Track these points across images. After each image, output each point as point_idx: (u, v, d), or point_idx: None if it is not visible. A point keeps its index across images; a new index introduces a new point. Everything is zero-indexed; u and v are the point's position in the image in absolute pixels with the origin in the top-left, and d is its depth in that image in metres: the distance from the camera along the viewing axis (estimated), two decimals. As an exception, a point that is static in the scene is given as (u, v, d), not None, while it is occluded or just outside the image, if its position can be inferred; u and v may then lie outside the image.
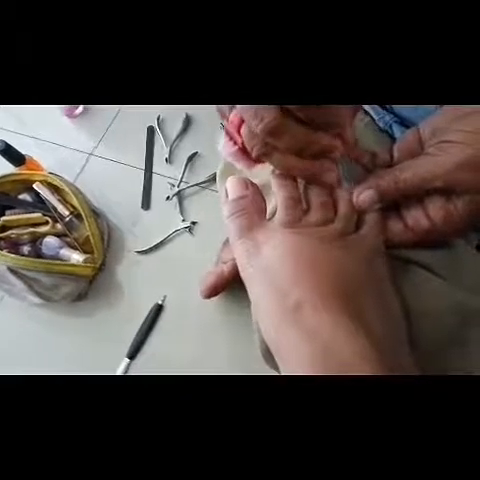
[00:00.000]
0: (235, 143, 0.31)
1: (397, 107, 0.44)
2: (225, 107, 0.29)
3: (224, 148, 0.32)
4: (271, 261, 0.30)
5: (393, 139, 0.47)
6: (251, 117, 0.27)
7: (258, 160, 0.31)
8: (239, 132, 0.30)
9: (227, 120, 0.30)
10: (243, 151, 0.31)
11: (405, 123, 0.46)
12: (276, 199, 0.33)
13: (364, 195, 0.31)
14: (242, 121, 0.29)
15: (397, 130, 0.46)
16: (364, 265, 0.31)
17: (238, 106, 0.27)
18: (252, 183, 0.35)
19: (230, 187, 0.35)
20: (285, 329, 0.27)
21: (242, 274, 0.32)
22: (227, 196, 0.35)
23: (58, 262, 0.64)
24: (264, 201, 0.34)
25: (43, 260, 0.64)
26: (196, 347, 0.63)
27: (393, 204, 0.32)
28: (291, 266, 0.29)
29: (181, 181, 0.76)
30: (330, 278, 0.29)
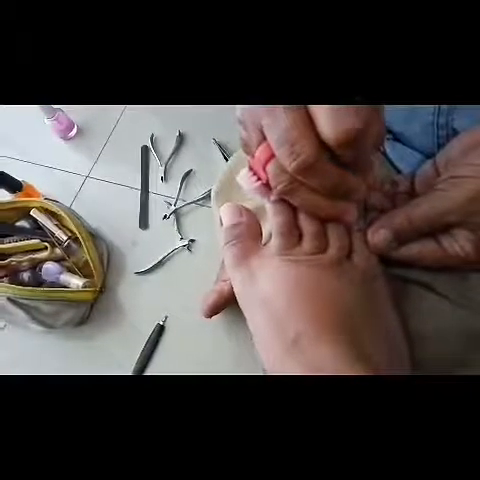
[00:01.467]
0: (258, 178, 0.30)
1: (389, 121, 0.43)
2: (252, 142, 0.29)
3: (246, 182, 0.32)
4: (267, 291, 0.29)
5: (386, 157, 0.46)
6: (285, 154, 0.26)
7: (279, 196, 0.31)
8: (264, 169, 0.29)
9: (252, 156, 0.30)
10: (266, 186, 0.31)
11: (398, 138, 0.46)
12: (271, 225, 0.33)
13: (379, 235, 0.31)
14: (270, 158, 0.28)
15: (389, 147, 0.46)
16: (361, 291, 0.31)
17: (270, 141, 0.27)
18: (246, 209, 0.34)
19: (224, 215, 0.35)
20: (286, 361, 0.26)
21: (239, 302, 0.32)
22: (221, 223, 0.34)
23: (58, 289, 0.64)
24: (260, 227, 0.34)
25: (43, 288, 0.64)
26: (199, 366, 0.63)
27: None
28: (287, 297, 0.29)
29: (177, 199, 0.76)
30: (327, 308, 0.28)
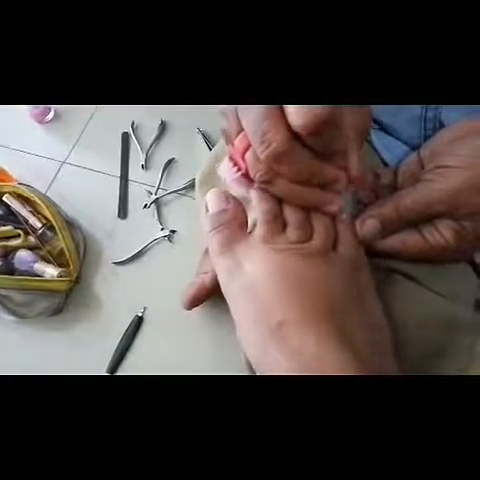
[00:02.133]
0: (239, 169, 0.30)
1: (376, 111, 0.43)
2: (232, 132, 0.29)
3: (226, 173, 0.32)
4: (252, 278, 0.30)
5: (372, 147, 0.46)
6: (258, 142, 0.26)
7: (260, 186, 0.31)
8: (243, 158, 0.29)
9: (232, 145, 0.30)
10: (246, 177, 0.31)
11: (385, 129, 0.46)
12: (255, 212, 0.33)
13: (367, 225, 0.31)
14: (248, 147, 0.29)
15: (376, 137, 0.46)
16: (346, 281, 0.31)
17: (246, 131, 0.27)
18: (233, 197, 0.34)
19: (210, 201, 0.35)
20: (269, 348, 0.27)
21: (223, 291, 0.32)
22: (207, 210, 0.34)
23: (31, 278, 0.62)
24: (245, 214, 0.34)
25: (16, 277, 0.61)
26: (178, 360, 0.62)
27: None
28: (273, 284, 0.29)
29: (158, 188, 0.74)
30: (312, 295, 0.29)
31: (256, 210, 0.33)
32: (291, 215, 0.32)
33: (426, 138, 0.42)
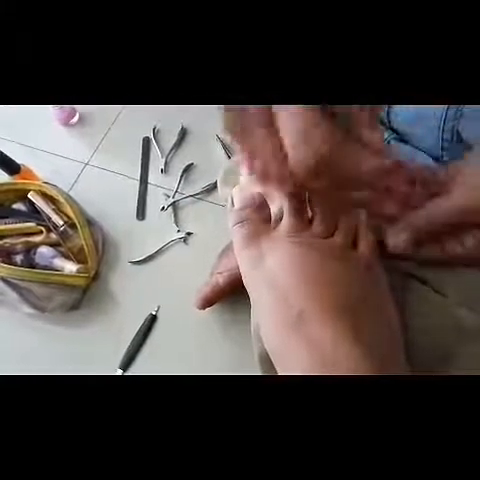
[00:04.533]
0: (252, 170, 0.30)
1: (395, 121, 0.44)
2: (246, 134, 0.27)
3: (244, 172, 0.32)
4: (275, 271, 0.30)
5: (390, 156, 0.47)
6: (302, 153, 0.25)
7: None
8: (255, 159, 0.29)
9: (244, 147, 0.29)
10: (262, 175, 0.30)
11: (402, 138, 0.46)
12: (282, 207, 0.33)
13: (400, 238, 0.31)
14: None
15: (395, 147, 0.46)
16: (363, 278, 0.32)
17: (285, 140, 0.25)
18: (258, 192, 0.35)
19: (236, 196, 0.35)
20: (287, 336, 0.27)
21: (245, 281, 0.32)
22: (233, 205, 0.35)
23: (52, 272, 0.64)
24: (269, 209, 0.35)
25: (37, 270, 0.64)
26: (190, 358, 0.63)
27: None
28: (295, 277, 0.30)
29: (176, 192, 0.76)
30: (332, 290, 0.29)
31: (283, 204, 0.33)
32: (318, 209, 0.33)
33: (443, 148, 0.42)
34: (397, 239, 0.31)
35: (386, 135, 0.46)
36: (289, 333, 0.28)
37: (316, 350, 0.26)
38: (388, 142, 0.46)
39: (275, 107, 0.25)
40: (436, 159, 0.44)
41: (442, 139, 0.42)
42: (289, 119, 0.25)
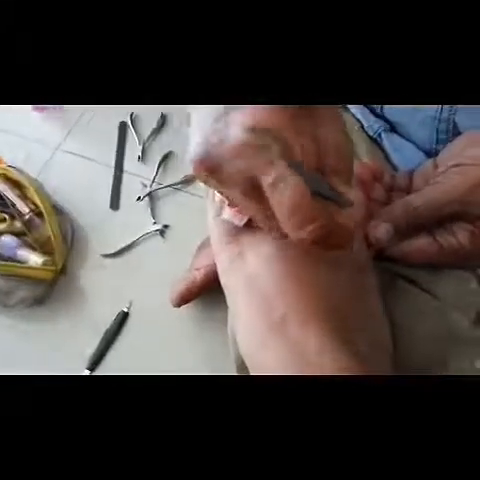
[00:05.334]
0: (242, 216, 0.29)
1: (389, 111, 0.42)
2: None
3: (233, 219, 0.30)
4: (256, 270, 0.29)
5: (381, 148, 0.45)
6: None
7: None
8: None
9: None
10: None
11: (397, 130, 0.45)
12: None
13: (380, 229, 0.30)
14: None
15: (386, 139, 0.45)
16: (351, 281, 0.30)
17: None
18: None
19: None
20: (268, 342, 0.26)
21: (222, 281, 0.31)
22: (213, 196, 0.33)
23: (13, 264, 0.59)
24: None
25: (-3, 262, 0.59)
26: (163, 358, 0.59)
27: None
28: (277, 276, 0.28)
29: (153, 181, 0.72)
30: (317, 291, 0.28)
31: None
32: None
33: (438, 140, 0.41)
34: (378, 231, 0.30)
35: (376, 126, 0.44)
36: (269, 337, 0.26)
37: (300, 355, 0.25)
38: (379, 134, 0.44)
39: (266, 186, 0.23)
40: (427, 153, 0.42)
41: (437, 130, 0.40)
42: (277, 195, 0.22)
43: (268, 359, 0.25)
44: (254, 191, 0.23)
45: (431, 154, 0.42)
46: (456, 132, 0.39)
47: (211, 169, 0.23)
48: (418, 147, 0.42)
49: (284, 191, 0.22)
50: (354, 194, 0.25)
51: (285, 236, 0.23)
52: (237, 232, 0.30)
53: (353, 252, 0.31)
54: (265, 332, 0.26)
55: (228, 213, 0.30)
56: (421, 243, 0.32)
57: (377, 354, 0.29)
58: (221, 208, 0.31)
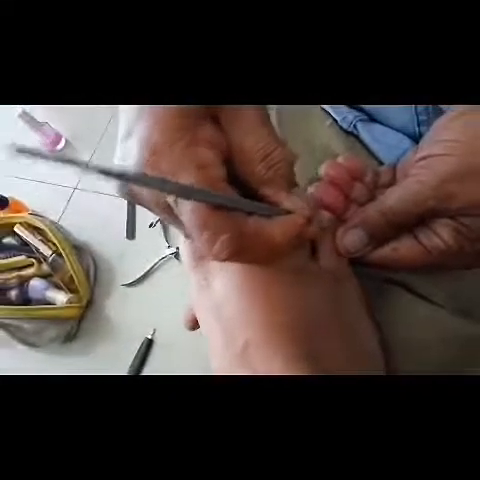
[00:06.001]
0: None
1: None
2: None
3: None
4: (220, 295, 0.27)
5: (359, 140, 0.42)
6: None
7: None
8: None
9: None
10: None
11: (374, 117, 0.41)
12: None
13: (350, 236, 0.27)
14: None
15: (362, 129, 0.41)
16: (326, 300, 0.27)
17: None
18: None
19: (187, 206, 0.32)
20: (234, 371, 0.24)
21: (194, 306, 0.29)
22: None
23: (38, 307, 0.62)
24: None
25: (23, 307, 0.62)
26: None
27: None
28: (240, 300, 0.26)
29: (164, 206, 0.73)
30: (282, 313, 0.26)
31: None
32: None
33: (419, 123, 0.37)
34: (346, 239, 0.27)
35: (351, 117, 0.41)
36: (234, 368, 0.24)
37: None
38: (354, 125, 0.41)
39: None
40: (412, 137, 0.38)
41: (417, 113, 0.37)
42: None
43: None
44: (165, 209, 0.22)
45: (416, 138, 0.38)
46: (436, 111, 0.35)
47: (129, 192, 0.23)
48: (401, 132, 0.39)
49: (184, 213, 0.21)
50: (296, 201, 0.23)
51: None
52: (202, 255, 0.29)
53: (327, 260, 0.29)
54: (232, 363, 0.25)
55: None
56: (401, 245, 0.28)
57: (359, 369, 0.26)
58: None
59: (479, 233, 0.25)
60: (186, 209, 0.21)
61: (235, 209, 0.21)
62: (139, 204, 0.24)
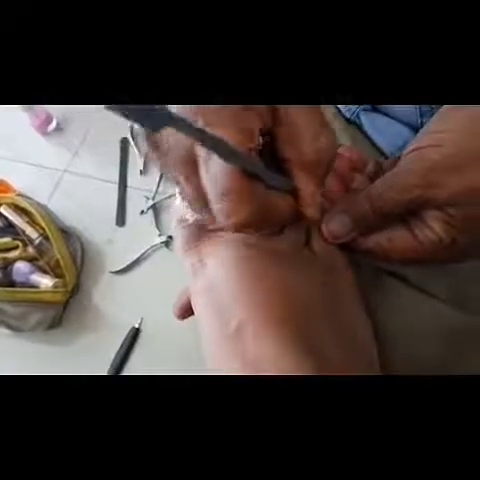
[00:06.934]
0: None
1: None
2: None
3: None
4: (214, 277, 0.27)
5: (362, 131, 0.42)
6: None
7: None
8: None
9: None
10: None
11: (375, 107, 0.41)
12: None
13: (334, 222, 0.27)
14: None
15: (365, 119, 0.41)
16: (319, 285, 0.27)
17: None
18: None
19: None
20: (223, 352, 0.24)
21: (190, 292, 0.29)
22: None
23: (23, 290, 0.61)
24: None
25: (6, 288, 0.61)
26: (176, 371, 0.59)
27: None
28: (234, 282, 0.26)
29: (156, 193, 0.72)
30: (276, 298, 0.25)
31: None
32: None
33: (422, 114, 0.37)
34: (331, 224, 0.26)
35: (354, 107, 0.40)
36: (224, 348, 0.24)
37: (256, 367, 0.23)
38: (357, 115, 0.40)
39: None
40: (414, 128, 0.38)
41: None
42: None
43: (224, 369, 0.24)
44: (190, 164, 0.21)
45: (418, 129, 0.38)
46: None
47: (153, 141, 0.22)
48: (404, 123, 0.39)
49: (213, 172, 0.20)
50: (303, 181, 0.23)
51: (213, 221, 0.21)
52: (197, 239, 0.29)
53: (321, 247, 0.28)
54: (222, 345, 0.24)
55: (181, 209, 0.28)
56: (394, 235, 0.28)
57: (351, 356, 0.26)
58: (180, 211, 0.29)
59: (466, 223, 0.25)
60: (216, 168, 0.20)
61: (261, 180, 0.20)
62: (157, 159, 0.23)
